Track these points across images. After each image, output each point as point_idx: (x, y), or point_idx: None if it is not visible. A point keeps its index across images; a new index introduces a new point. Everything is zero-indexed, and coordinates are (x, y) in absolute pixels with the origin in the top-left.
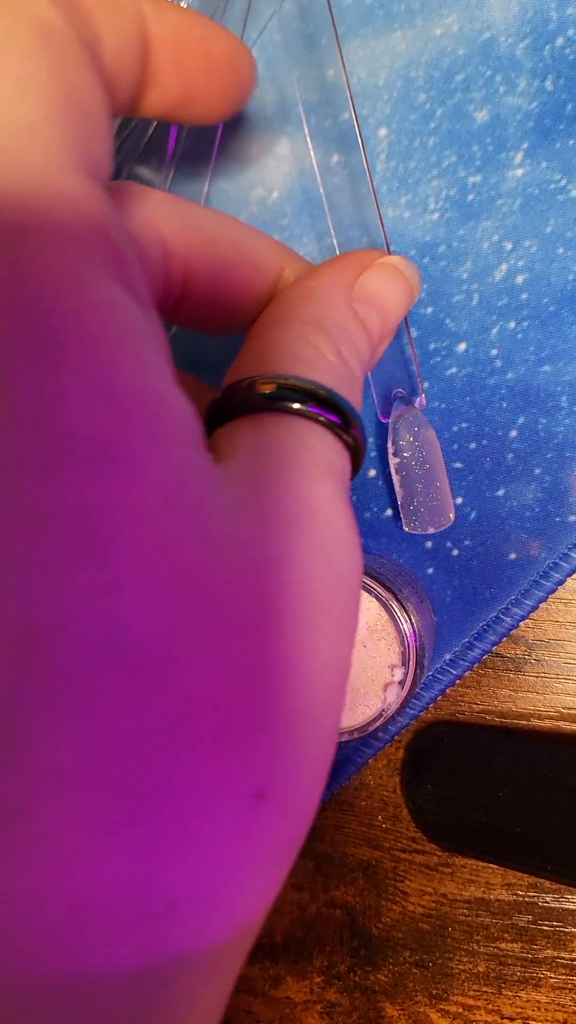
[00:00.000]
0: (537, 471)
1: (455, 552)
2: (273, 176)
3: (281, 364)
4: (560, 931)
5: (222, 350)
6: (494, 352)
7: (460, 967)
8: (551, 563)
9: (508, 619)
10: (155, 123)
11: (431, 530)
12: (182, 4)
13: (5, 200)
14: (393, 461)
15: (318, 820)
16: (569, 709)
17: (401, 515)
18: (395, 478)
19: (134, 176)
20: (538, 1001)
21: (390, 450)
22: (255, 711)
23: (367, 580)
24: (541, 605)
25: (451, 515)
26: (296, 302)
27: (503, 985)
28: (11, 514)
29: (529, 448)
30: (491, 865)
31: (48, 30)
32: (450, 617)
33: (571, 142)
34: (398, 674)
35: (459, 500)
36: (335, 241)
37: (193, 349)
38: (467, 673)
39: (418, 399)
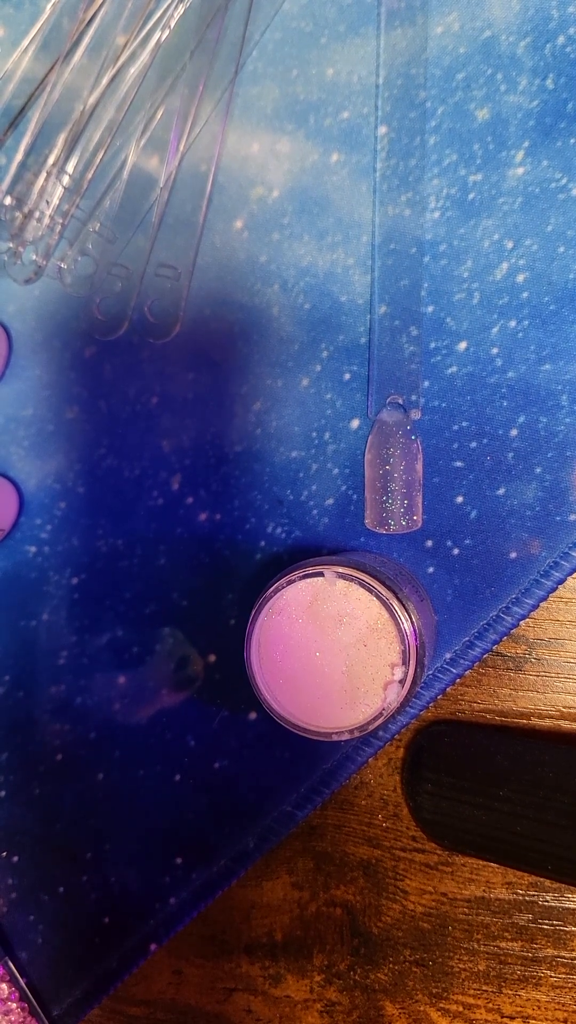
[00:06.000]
0: (538, 470)
1: (456, 551)
2: (274, 175)
3: None
4: (560, 930)
5: (222, 349)
6: (495, 351)
7: (460, 966)
8: (551, 562)
9: (509, 618)
10: (157, 119)
11: (392, 531)
12: (181, 6)
13: None
14: (372, 462)
15: (318, 819)
16: (569, 708)
17: (365, 508)
18: (367, 472)
19: (137, 173)
20: (538, 1000)
21: (368, 453)
22: None
23: (367, 579)
24: (542, 604)
25: (417, 519)
26: None
27: (503, 984)
28: None
29: (530, 447)
30: (491, 864)
31: None
32: (450, 616)
33: (572, 141)
34: (398, 673)
35: (459, 499)
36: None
37: (193, 348)
38: (467, 672)
39: (413, 410)
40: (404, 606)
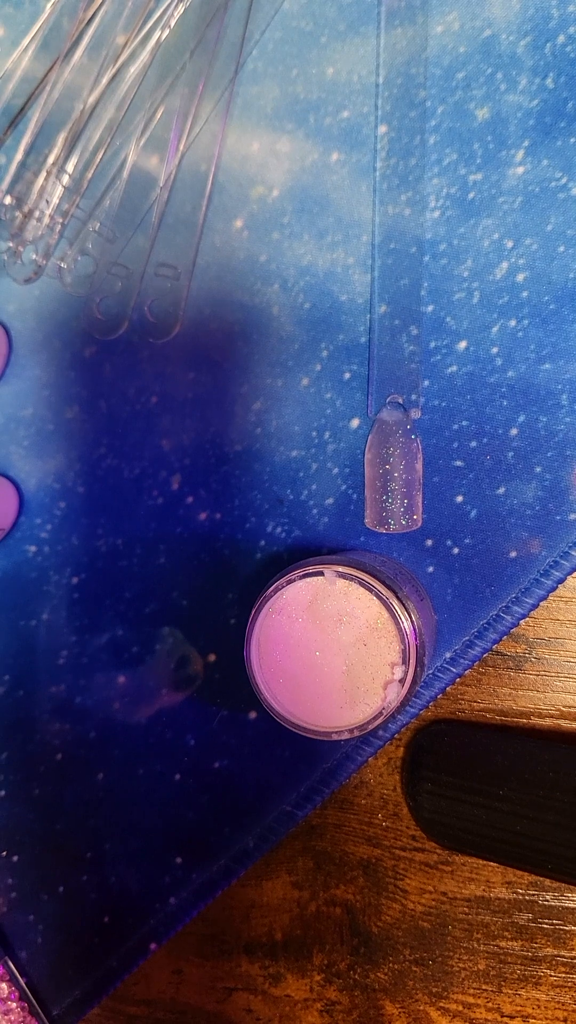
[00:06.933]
0: (538, 469)
1: (455, 550)
2: (274, 174)
3: None
4: (560, 929)
5: (222, 349)
6: (495, 350)
7: (460, 965)
8: (551, 561)
9: (508, 617)
10: (157, 119)
11: (392, 530)
12: (181, 5)
13: None
14: (372, 462)
15: (318, 818)
16: (569, 707)
17: (365, 508)
18: (367, 472)
19: (137, 172)
20: (538, 999)
21: (368, 452)
22: None
23: (367, 578)
24: (542, 603)
25: (417, 519)
26: None
27: (503, 983)
28: None
29: (530, 446)
30: (491, 863)
31: None
32: (450, 615)
33: (572, 140)
34: (398, 672)
35: (459, 498)
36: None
37: (193, 347)
38: (467, 671)
39: (413, 409)
40: (404, 605)
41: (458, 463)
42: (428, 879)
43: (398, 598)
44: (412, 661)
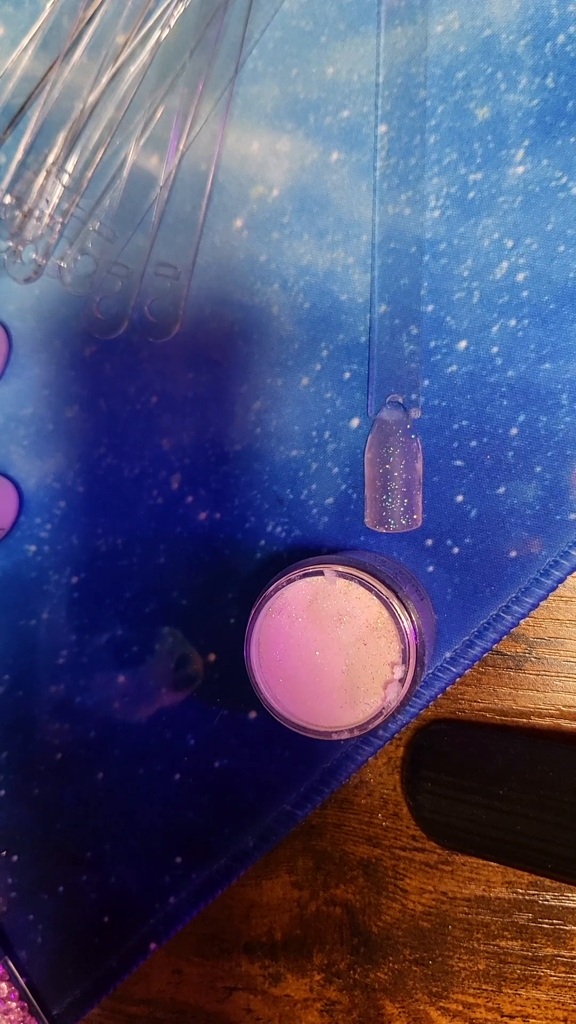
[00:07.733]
0: (538, 469)
1: (455, 550)
2: (273, 173)
3: None
4: (560, 929)
5: (222, 348)
6: (495, 350)
7: (460, 965)
8: (551, 561)
9: (508, 617)
10: (157, 118)
11: (392, 529)
12: (180, 5)
13: None
14: (372, 461)
15: (317, 818)
16: (569, 707)
17: (365, 507)
18: (367, 471)
19: (137, 171)
20: (538, 999)
21: (368, 452)
22: None
23: (367, 578)
24: (542, 603)
25: (417, 518)
26: None
27: (503, 983)
28: None
29: (530, 446)
30: (491, 863)
31: None
32: (450, 615)
33: (572, 139)
34: (398, 672)
35: (459, 498)
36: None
37: (193, 347)
38: (467, 671)
39: (413, 409)
40: (404, 605)
41: (458, 463)
42: (428, 879)
43: (398, 598)
44: (412, 661)
